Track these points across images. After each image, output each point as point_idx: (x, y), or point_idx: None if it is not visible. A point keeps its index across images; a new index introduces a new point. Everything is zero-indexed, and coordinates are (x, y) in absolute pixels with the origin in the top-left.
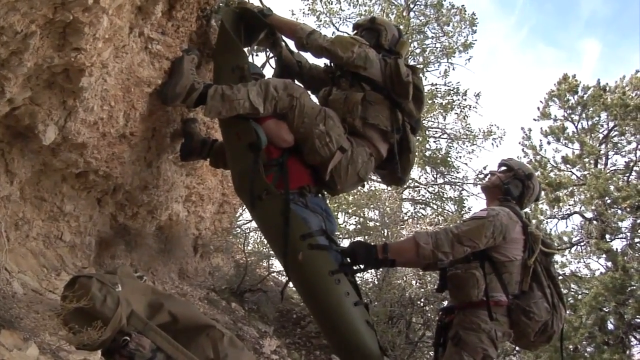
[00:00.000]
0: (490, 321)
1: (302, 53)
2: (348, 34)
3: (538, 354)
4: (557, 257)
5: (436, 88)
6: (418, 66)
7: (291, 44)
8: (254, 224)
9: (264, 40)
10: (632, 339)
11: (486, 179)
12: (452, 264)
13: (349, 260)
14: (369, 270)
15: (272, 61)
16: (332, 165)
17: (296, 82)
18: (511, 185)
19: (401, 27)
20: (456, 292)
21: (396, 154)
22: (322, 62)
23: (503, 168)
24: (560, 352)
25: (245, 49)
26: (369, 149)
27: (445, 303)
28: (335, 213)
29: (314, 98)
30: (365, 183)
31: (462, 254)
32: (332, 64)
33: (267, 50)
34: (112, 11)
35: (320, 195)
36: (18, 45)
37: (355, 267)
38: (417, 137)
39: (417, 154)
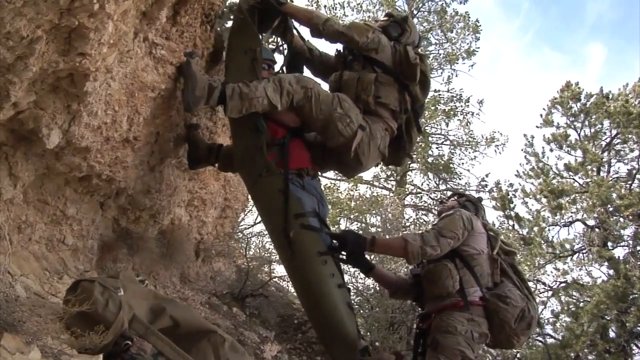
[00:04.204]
0: (467, 322)
1: (312, 41)
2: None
3: None
4: (559, 265)
5: (439, 94)
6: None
7: (303, 31)
8: (255, 229)
9: (276, 28)
10: (634, 347)
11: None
12: (423, 267)
13: (337, 244)
14: (353, 267)
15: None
16: (356, 143)
17: (306, 68)
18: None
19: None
20: (432, 288)
21: (404, 133)
22: (332, 50)
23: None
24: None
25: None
26: (382, 124)
27: None
28: (337, 219)
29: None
30: (385, 157)
31: (447, 247)
32: (344, 49)
33: (278, 37)
34: (117, 17)
35: (316, 178)
36: (24, 50)
37: (342, 254)
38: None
39: (419, 160)
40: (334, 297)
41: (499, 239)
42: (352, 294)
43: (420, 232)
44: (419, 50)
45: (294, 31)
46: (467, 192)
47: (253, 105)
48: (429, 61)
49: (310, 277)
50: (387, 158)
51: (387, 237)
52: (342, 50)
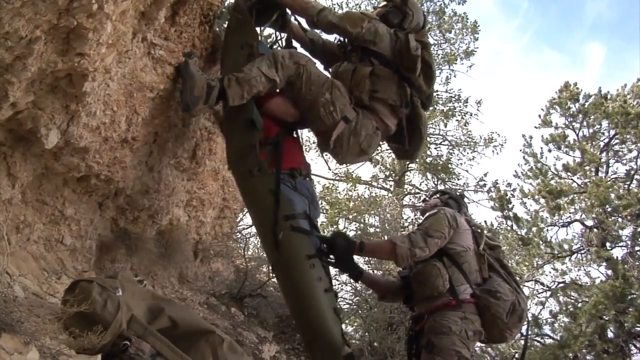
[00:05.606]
0: (460, 321)
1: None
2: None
3: None
4: (558, 265)
5: (438, 95)
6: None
7: (304, 23)
8: (254, 229)
9: (274, 22)
10: (632, 348)
11: (424, 204)
12: (411, 268)
13: (327, 247)
14: (341, 272)
15: (281, 42)
16: (335, 135)
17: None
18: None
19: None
20: (422, 288)
21: (404, 127)
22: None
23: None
24: (525, 342)
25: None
26: (375, 122)
27: None
28: (336, 219)
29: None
30: (369, 157)
31: (435, 247)
32: (344, 39)
33: (277, 31)
34: (115, 17)
35: (309, 179)
36: (22, 50)
37: (330, 257)
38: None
39: (418, 160)
40: (320, 301)
41: (484, 234)
42: (350, 294)
43: (407, 233)
44: (425, 30)
45: (295, 22)
46: (448, 189)
47: (253, 85)
48: None
49: (297, 280)
50: (399, 153)
51: (386, 237)
52: (342, 40)
